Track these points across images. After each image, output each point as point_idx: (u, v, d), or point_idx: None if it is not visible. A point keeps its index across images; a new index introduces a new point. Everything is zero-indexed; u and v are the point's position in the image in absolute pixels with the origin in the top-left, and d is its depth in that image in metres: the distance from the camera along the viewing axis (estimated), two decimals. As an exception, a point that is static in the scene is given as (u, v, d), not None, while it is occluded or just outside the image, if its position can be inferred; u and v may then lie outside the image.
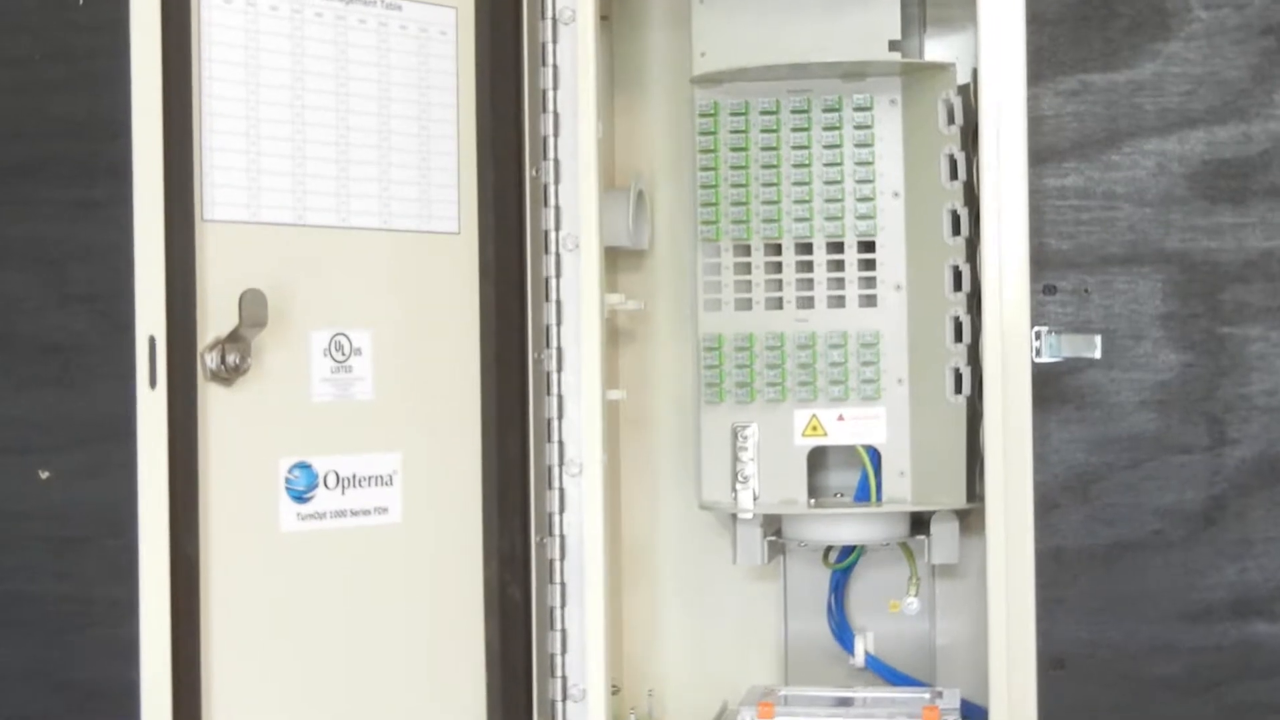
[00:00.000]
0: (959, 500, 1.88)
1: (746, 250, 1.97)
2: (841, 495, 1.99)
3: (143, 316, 1.50)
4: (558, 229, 1.82)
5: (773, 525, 1.98)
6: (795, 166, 1.95)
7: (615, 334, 2.05)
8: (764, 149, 1.95)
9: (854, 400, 1.94)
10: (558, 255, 1.81)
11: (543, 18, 1.81)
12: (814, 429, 1.94)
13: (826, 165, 1.94)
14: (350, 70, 1.68)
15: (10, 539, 1.53)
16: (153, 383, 1.50)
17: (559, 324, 1.82)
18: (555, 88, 1.81)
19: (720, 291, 1.97)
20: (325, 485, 1.65)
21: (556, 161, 1.81)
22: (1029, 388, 1.68)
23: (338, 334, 1.66)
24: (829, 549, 2.01)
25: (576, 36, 1.80)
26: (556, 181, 1.81)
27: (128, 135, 1.50)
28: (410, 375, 1.71)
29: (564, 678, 1.81)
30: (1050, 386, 1.68)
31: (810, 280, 1.95)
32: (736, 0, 1.94)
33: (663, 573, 2.07)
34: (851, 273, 1.94)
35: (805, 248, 1.95)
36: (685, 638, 2.07)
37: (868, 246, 1.94)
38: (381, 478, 1.69)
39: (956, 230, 1.87)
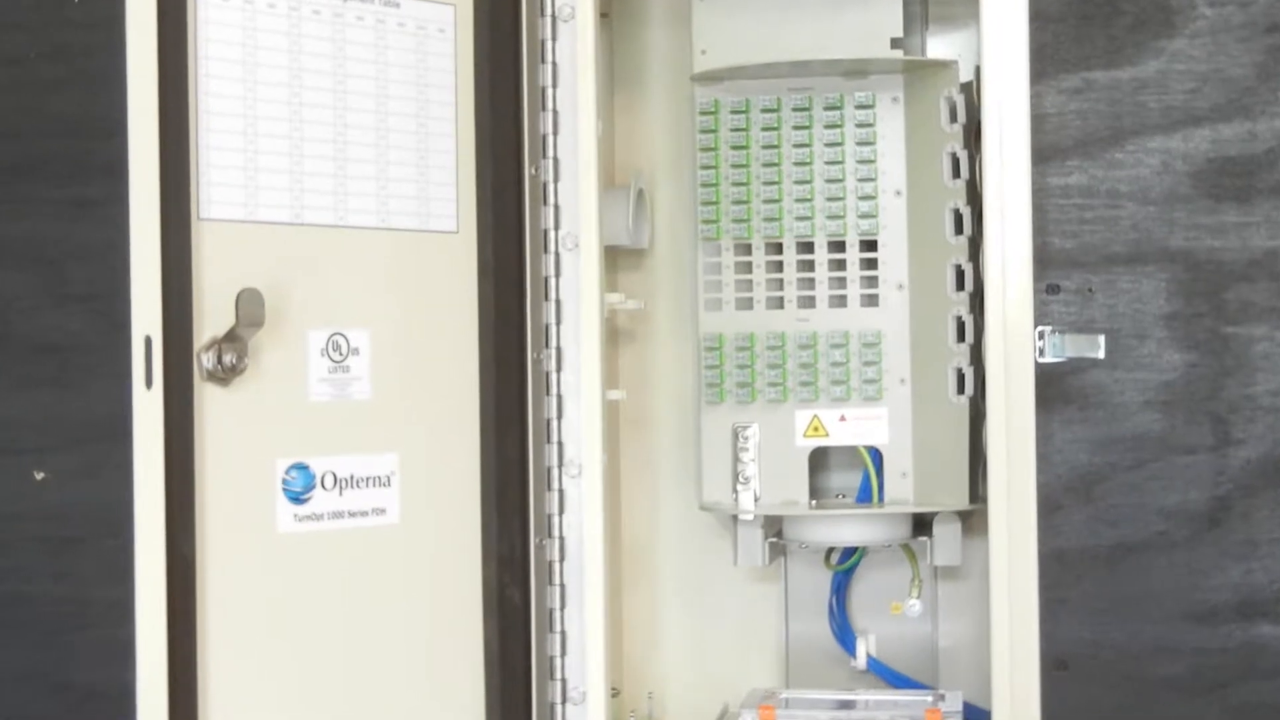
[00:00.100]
0: (961, 501, 1.88)
1: (747, 249, 1.96)
2: (843, 496, 1.99)
3: (139, 316, 1.50)
4: (557, 228, 1.81)
5: (774, 526, 1.97)
6: (796, 165, 1.94)
7: (615, 334, 2.05)
8: (765, 147, 1.95)
9: (856, 400, 1.93)
10: (557, 254, 1.81)
11: (542, 15, 1.81)
12: (815, 429, 1.94)
13: (828, 164, 1.94)
14: (348, 68, 1.67)
15: (5, 540, 1.52)
16: (149, 383, 1.50)
17: (558, 323, 1.81)
18: (555, 85, 1.81)
19: (721, 291, 1.96)
20: (323, 486, 1.64)
21: (556, 160, 1.81)
22: (1032, 388, 1.68)
23: (335, 334, 1.66)
24: (830, 550, 2.01)
25: (576, 34, 1.80)
26: (556, 180, 1.81)
27: (123, 133, 1.49)
28: (408, 375, 1.70)
29: (563, 680, 1.81)
30: (1053, 386, 1.68)
31: (812, 280, 1.94)
32: (737, -3, 1.94)
33: (663, 574, 2.07)
34: (853, 272, 1.94)
35: (807, 247, 1.95)
36: (685, 640, 2.07)
37: (869, 245, 1.94)
38: (379, 479, 1.68)
39: (959, 229, 1.87)
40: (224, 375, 1.56)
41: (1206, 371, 1.67)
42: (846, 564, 2.02)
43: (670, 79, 2.05)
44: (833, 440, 1.94)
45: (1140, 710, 1.67)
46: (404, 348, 1.70)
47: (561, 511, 1.82)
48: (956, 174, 1.87)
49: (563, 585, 1.81)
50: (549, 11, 1.80)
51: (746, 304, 1.96)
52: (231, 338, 1.55)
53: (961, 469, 1.87)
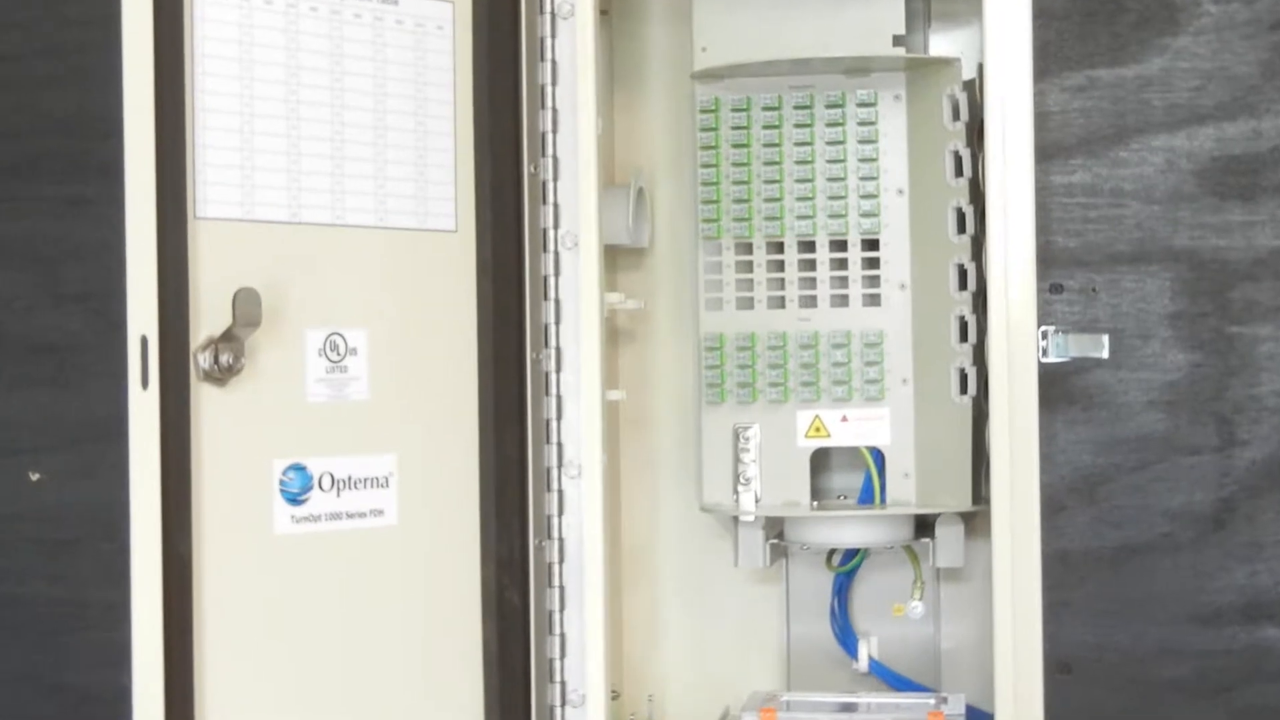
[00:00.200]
0: (964, 502, 1.87)
1: (748, 248, 1.95)
2: (845, 497, 1.98)
3: (134, 316, 1.49)
4: (556, 227, 1.80)
5: (775, 528, 1.97)
6: (798, 163, 1.94)
7: (615, 333, 2.04)
8: (766, 145, 1.94)
9: (857, 401, 1.92)
10: (556, 253, 1.80)
11: (541, 12, 1.80)
12: (817, 430, 1.93)
13: (829, 162, 1.93)
14: (346, 65, 1.67)
15: (1, 541, 1.52)
16: (145, 383, 1.49)
17: (558, 323, 1.81)
18: (554, 83, 1.80)
19: (721, 290, 1.96)
20: (320, 487, 1.63)
21: (555, 158, 1.80)
22: (1035, 388, 1.67)
23: (333, 333, 1.65)
24: (832, 552, 2.00)
25: (575, 31, 1.79)
26: (555, 178, 1.80)
27: (119, 132, 1.49)
28: (407, 375, 1.70)
29: (563, 683, 1.80)
30: (1057, 387, 1.67)
31: (813, 279, 1.94)
32: (738, -5, 1.93)
33: (663, 576, 2.07)
34: (855, 271, 1.93)
35: (808, 246, 1.94)
36: (686, 642, 2.07)
37: (871, 245, 1.93)
38: (377, 479, 1.67)
39: (962, 228, 1.86)
40: (220, 375, 1.56)
41: (1211, 371, 1.66)
42: (848, 565, 2.01)
43: (670, 77, 2.04)
44: (834, 441, 1.93)
45: (1145, 713, 1.67)
46: (402, 347, 1.70)
47: (561, 513, 1.81)
48: (959, 172, 1.87)
49: (562, 587, 1.81)
50: (548, 9, 1.80)
51: (747, 303, 1.95)
52: (228, 337, 1.55)
53: (964, 470, 1.86)
